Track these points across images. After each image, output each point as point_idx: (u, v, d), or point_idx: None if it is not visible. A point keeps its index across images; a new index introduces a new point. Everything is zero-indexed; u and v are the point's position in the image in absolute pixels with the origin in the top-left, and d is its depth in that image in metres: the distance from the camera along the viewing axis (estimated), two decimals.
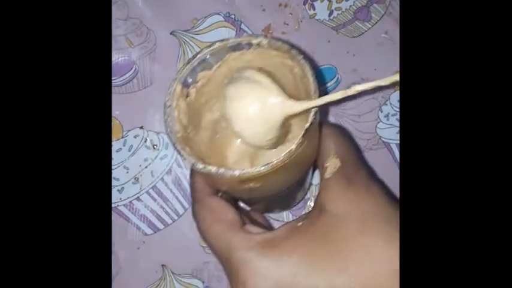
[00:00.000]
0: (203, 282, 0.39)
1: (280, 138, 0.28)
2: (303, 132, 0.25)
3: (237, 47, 0.29)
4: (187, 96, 0.29)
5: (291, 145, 0.25)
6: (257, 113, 0.25)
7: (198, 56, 0.29)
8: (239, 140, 0.33)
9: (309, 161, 0.30)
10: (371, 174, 0.29)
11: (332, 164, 0.28)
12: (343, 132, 0.30)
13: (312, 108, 0.25)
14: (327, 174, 0.28)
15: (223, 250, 0.26)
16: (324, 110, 0.40)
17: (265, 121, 0.25)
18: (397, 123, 0.40)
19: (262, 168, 0.25)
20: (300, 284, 0.24)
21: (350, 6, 0.41)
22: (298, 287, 0.25)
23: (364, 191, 0.27)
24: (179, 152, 0.26)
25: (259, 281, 0.24)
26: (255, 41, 0.28)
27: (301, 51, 0.28)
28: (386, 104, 0.40)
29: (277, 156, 0.25)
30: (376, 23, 0.41)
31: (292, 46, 0.28)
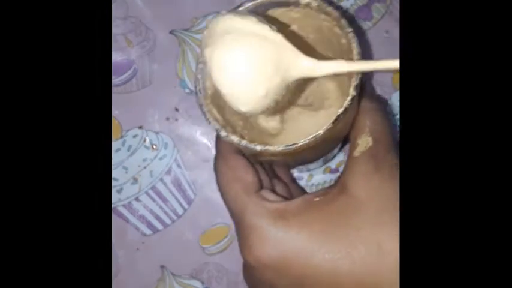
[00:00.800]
0: (203, 283, 0.39)
1: (317, 102, 0.27)
2: (334, 117, 0.24)
3: (283, 3, 0.27)
4: None
5: (328, 111, 0.25)
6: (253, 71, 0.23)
7: (240, 9, 0.27)
8: None
9: (339, 137, 0.29)
10: (398, 160, 0.28)
11: (364, 142, 0.27)
12: (383, 110, 0.29)
13: (352, 82, 0.24)
14: (356, 152, 0.27)
15: (237, 211, 0.27)
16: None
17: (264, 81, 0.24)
18: (399, 123, 0.40)
19: (284, 148, 0.24)
20: (303, 260, 0.25)
21: (351, 5, 0.40)
22: (299, 260, 0.25)
23: (388, 178, 0.26)
24: (205, 115, 0.26)
25: (265, 249, 0.25)
26: (304, 1, 0.27)
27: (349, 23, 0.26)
28: (388, 104, 0.40)
29: (310, 121, 0.25)
30: (377, 22, 0.40)
31: (343, 15, 0.26)
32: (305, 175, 0.39)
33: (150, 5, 0.39)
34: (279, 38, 0.23)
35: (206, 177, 0.39)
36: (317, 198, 0.27)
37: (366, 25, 0.40)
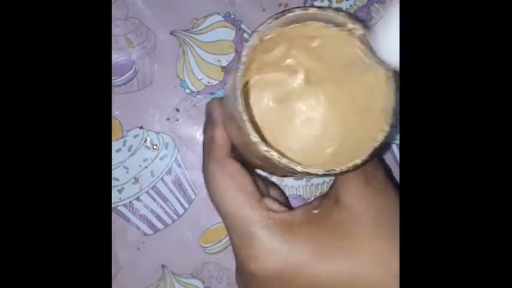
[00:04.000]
0: (203, 283, 0.39)
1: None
2: (372, 150, 0.25)
3: (325, 21, 0.26)
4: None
5: None
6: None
7: (290, 14, 0.26)
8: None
9: None
10: (387, 173, 0.29)
11: None
12: None
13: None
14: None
15: (240, 221, 0.26)
16: None
17: None
18: (398, 124, 0.40)
19: (325, 172, 0.24)
20: (305, 270, 0.25)
21: (350, 5, 0.41)
22: (303, 271, 0.25)
23: (380, 192, 0.27)
24: (245, 125, 0.24)
25: (271, 260, 0.25)
26: (350, 26, 0.26)
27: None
28: None
29: None
30: (377, 22, 0.40)
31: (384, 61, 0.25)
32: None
33: (151, 5, 0.40)
34: None
35: None
36: (315, 211, 0.27)
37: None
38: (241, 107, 0.24)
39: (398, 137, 0.40)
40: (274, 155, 0.24)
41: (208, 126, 0.30)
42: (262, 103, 0.31)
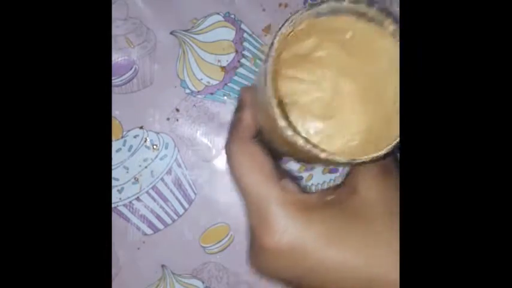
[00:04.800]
0: (203, 283, 0.39)
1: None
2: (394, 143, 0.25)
3: (357, 14, 0.27)
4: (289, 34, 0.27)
5: None
6: None
7: (323, 6, 0.26)
8: None
9: None
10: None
11: None
12: None
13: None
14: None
15: (257, 198, 0.27)
16: None
17: None
18: None
19: (349, 160, 0.25)
20: (313, 252, 0.26)
21: None
22: (311, 254, 0.26)
23: (394, 186, 0.28)
24: (273, 110, 0.25)
25: (284, 236, 0.26)
26: (382, 20, 0.26)
27: None
28: None
29: None
30: None
31: None
32: (305, 174, 0.40)
33: (151, 6, 0.40)
34: None
35: (206, 177, 0.39)
36: (330, 197, 0.28)
37: None
38: (270, 92, 0.25)
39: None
40: (300, 140, 0.25)
41: (237, 108, 0.31)
42: (292, 91, 0.31)
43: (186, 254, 0.39)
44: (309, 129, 0.32)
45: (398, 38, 0.26)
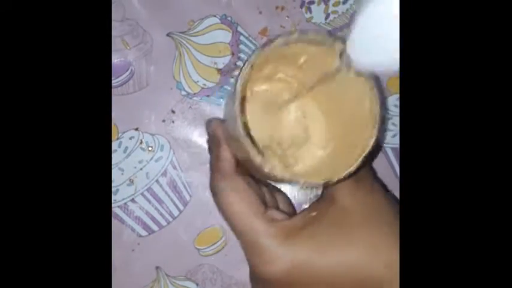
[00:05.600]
0: (197, 285, 0.39)
1: None
2: (362, 157, 0.27)
3: (307, 42, 0.29)
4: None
5: None
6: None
7: (274, 43, 0.28)
8: None
9: None
10: (374, 173, 0.34)
11: None
12: None
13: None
14: None
15: (248, 232, 0.29)
16: None
17: None
18: (393, 127, 0.40)
19: (323, 181, 0.27)
20: (309, 267, 0.28)
21: (347, 9, 0.41)
22: (307, 269, 0.28)
23: (369, 189, 0.31)
24: (250, 146, 0.26)
25: (277, 264, 0.28)
26: (329, 43, 0.28)
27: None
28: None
29: None
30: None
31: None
32: None
33: (147, 7, 0.40)
34: None
35: (201, 179, 0.39)
36: (313, 213, 0.30)
37: None
38: (243, 132, 0.27)
39: (392, 140, 0.40)
40: (278, 173, 0.27)
41: (212, 145, 0.33)
42: (258, 117, 0.32)
43: (180, 256, 0.39)
44: (286, 155, 0.33)
45: (346, 57, 0.27)
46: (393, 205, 0.31)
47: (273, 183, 0.39)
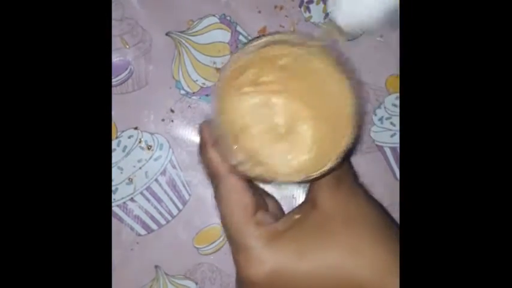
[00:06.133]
0: (196, 284, 0.39)
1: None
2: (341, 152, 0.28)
3: (287, 43, 0.30)
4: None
5: None
6: None
7: (251, 44, 0.29)
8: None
9: None
10: (356, 177, 0.35)
11: None
12: None
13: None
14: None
15: (234, 233, 0.30)
16: None
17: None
18: (391, 127, 0.40)
19: (306, 177, 0.28)
20: (289, 270, 0.29)
21: None
22: (288, 272, 0.29)
23: (350, 194, 0.31)
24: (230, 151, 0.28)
25: (260, 266, 0.29)
26: (308, 43, 0.29)
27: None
28: (380, 108, 0.40)
29: None
30: None
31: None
32: None
33: (146, 6, 0.40)
34: None
35: (201, 178, 0.39)
36: (297, 216, 0.31)
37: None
38: (221, 131, 0.28)
39: (391, 139, 0.40)
40: (257, 172, 0.28)
41: (202, 149, 0.34)
42: (242, 119, 0.33)
43: (179, 254, 0.39)
44: (265, 151, 0.33)
45: (326, 55, 0.29)
46: (374, 208, 0.32)
47: (261, 186, 0.39)
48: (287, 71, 0.31)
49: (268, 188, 0.39)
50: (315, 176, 0.28)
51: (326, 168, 0.28)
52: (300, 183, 0.30)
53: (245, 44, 0.29)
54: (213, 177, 0.32)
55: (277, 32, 0.30)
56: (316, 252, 0.29)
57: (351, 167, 0.34)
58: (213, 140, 0.32)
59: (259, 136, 0.33)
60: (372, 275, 0.28)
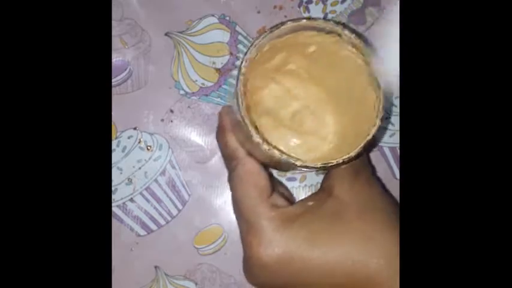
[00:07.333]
0: (196, 284, 0.39)
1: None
2: (365, 142, 0.28)
3: (317, 29, 0.29)
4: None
5: None
6: None
7: (283, 27, 0.28)
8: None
9: None
10: (373, 170, 0.35)
11: None
12: None
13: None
14: None
15: (248, 212, 0.30)
16: None
17: None
18: (390, 127, 0.40)
19: (322, 165, 0.28)
20: (299, 255, 0.29)
21: (345, 9, 0.41)
22: (297, 256, 0.29)
23: (367, 184, 0.32)
24: (248, 127, 0.27)
25: (270, 247, 0.29)
26: (339, 32, 0.29)
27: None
28: None
29: None
30: (371, 26, 0.41)
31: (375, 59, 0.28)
32: (298, 176, 0.40)
33: (146, 6, 0.40)
34: None
35: (200, 178, 0.39)
36: (311, 203, 0.31)
37: (359, 29, 0.41)
38: (243, 113, 0.27)
39: (390, 139, 0.40)
40: (276, 153, 0.27)
41: (219, 133, 0.34)
42: (265, 106, 0.33)
43: (179, 255, 0.39)
44: (287, 140, 0.34)
45: (357, 45, 0.29)
46: (390, 202, 0.32)
47: (275, 174, 0.39)
48: (315, 59, 0.31)
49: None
50: (334, 164, 0.28)
51: (348, 156, 0.28)
52: (318, 170, 0.30)
53: (272, 28, 0.28)
54: (231, 159, 0.32)
55: (308, 18, 0.29)
56: (329, 238, 0.29)
57: (369, 160, 0.34)
58: (232, 125, 0.33)
59: (281, 122, 0.34)
60: (382, 267, 0.28)
